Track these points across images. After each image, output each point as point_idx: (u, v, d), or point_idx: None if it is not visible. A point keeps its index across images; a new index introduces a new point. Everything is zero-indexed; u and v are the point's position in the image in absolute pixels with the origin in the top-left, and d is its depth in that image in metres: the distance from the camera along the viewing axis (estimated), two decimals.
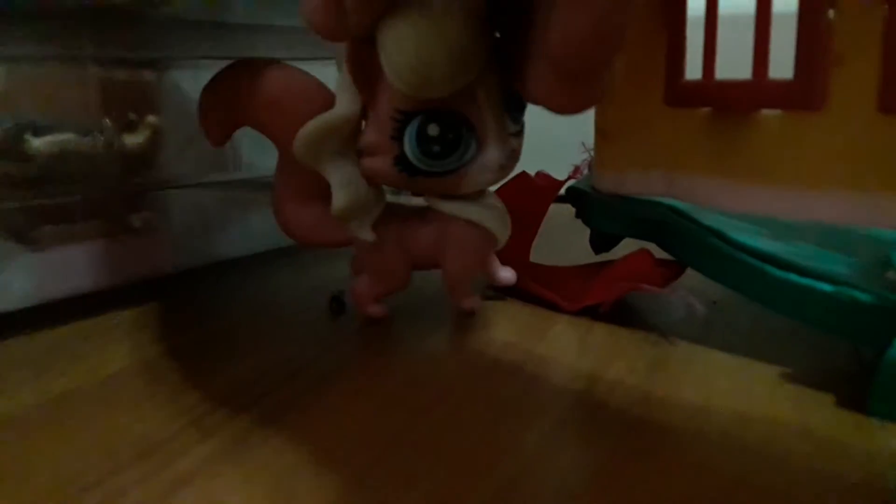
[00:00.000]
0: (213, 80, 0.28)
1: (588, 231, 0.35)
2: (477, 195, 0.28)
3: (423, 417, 0.21)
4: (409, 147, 0.25)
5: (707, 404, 0.22)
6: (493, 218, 0.28)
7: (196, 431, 0.21)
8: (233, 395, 0.23)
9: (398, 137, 0.25)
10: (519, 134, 0.27)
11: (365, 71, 0.25)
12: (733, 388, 0.23)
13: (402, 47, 0.23)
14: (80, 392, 0.24)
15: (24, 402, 0.23)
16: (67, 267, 0.35)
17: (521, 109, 0.27)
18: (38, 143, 0.35)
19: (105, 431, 0.21)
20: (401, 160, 0.26)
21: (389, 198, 0.28)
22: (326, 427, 0.21)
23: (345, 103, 0.26)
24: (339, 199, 0.26)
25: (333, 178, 0.26)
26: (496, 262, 0.30)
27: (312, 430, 0.21)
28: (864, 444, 0.20)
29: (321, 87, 0.27)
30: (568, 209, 0.35)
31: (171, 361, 0.26)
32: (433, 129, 0.25)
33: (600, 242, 0.35)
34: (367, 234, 0.27)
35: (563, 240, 0.39)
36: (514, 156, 0.27)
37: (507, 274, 0.30)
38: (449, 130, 0.25)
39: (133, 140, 0.38)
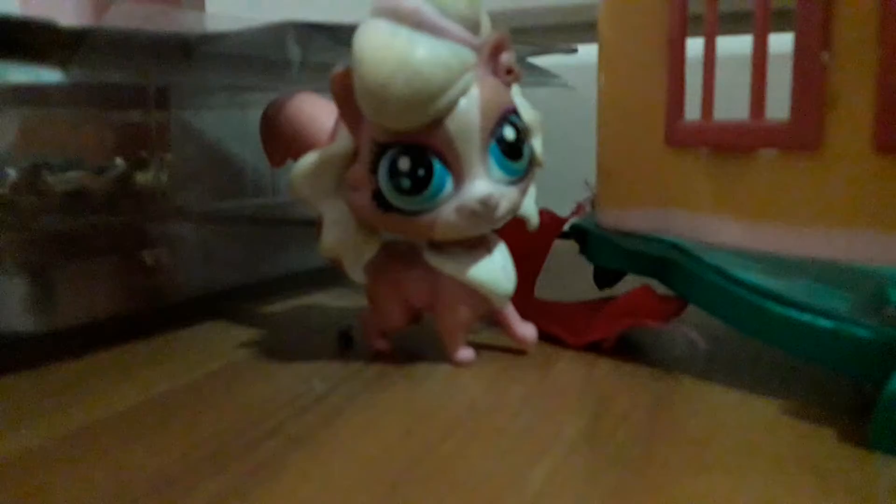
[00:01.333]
0: (265, 109, 0.30)
1: (591, 267, 0.36)
2: (469, 247, 0.27)
3: (431, 453, 0.22)
4: (383, 180, 0.25)
5: (710, 440, 0.22)
6: (484, 274, 0.27)
7: (210, 466, 0.21)
8: (244, 429, 0.23)
9: (374, 170, 0.25)
10: (515, 183, 0.26)
11: (349, 102, 0.25)
12: (736, 424, 0.23)
13: (362, 67, 0.23)
14: (96, 427, 0.24)
15: (42, 436, 0.23)
16: (80, 298, 0.35)
17: (516, 157, 0.26)
18: (54, 181, 0.36)
19: (121, 467, 0.21)
20: (377, 195, 0.25)
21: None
22: (337, 462, 0.21)
23: (340, 140, 0.26)
24: (327, 236, 0.27)
25: (326, 215, 0.27)
26: (514, 317, 0.29)
27: (323, 466, 0.21)
28: (866, 478, 0.20)
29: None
30: (571, 246, 0.36)
31: (183, 396, 0.26)
32: (404, 163, 0.25)
33: (604, 278, 0.36)
34: (358, 276, 0.28)
35: (566, 276, 0.39)
36: (503, 205, 0.26)
37: (527, 331, 0.29)
38: (420, 165, 0.25)
39: (144, 177, 0.39)
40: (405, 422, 0.24)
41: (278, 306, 0.39)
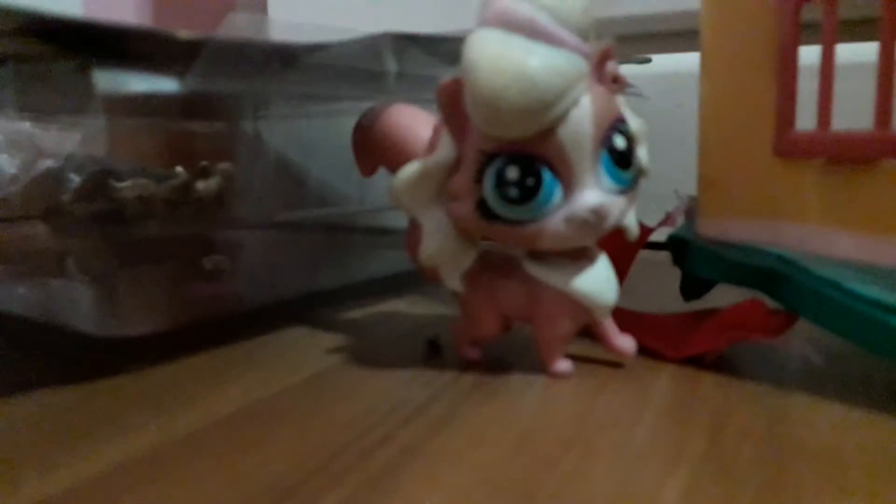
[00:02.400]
0: (359, 119, 0.30)
1: (674, 278, 0.35)
2: (572, 258, 0.27)
3: (553, 469, 0.21)
4: (488, 190, 0.25)
5: (842, 459, 0.21)
6: (587, 285, 0.27)
7: (326, 477, 0.21)
8: (354, 438, 0.23)
9: (480, 180, 0.25)
10: (624, 192, 0.26)
11: (456, 112, 0.25)
12: (864, 443, 0.22)
13: (476, 76, 0.23)
14: (204, 432, 0.24)
15: (150, 443, 0.23)
16: (149, 305, 0.35)
17: (626, 166, 0.25)
18: (120, 187, 0.36)
19: (238, 474, 0.21)
20: (481, 204, 0.25)
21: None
22: (454, 475, 0.21)
23: (443, 150, 0.26)
24: (428, 245, 0.27)
25: (426, 224, 0.27)
26: (612, 328, 0.29)
27: (440, 478, 0.21)
28: None
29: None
30: (653, 256, 0.35)
31: (285, 402, 0.26)
32: (512, 172, 0.24)
33: (692, 290, 0.35)
34: (455, 284, 0.28)
35: (650, 287, 0.39)
36: (613, 214, 0.25)
37: (626, 343, 0.29)
38: (528, 175, 0.24)
39: (206, 186, 0.39)
40: (515, 434, 0.23)
41: (358, 313, 0.39)
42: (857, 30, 0.30)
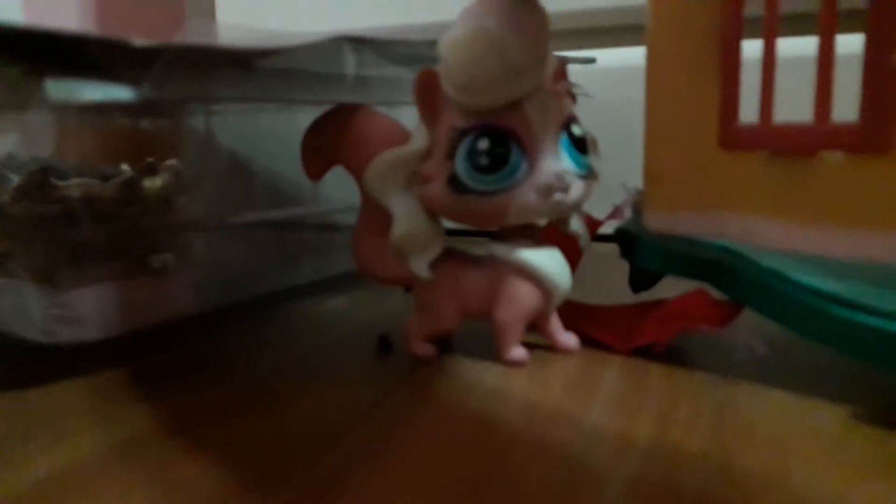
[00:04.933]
0: (313, 123, 0.31)
1: (623, 271, 0.35)
2: (534, 241, 0.28)
3: (496, 468, 0.21)
4: (460, 163, 0.26)
5: (785, 447, 0.22)
6: (547, 269, 0.28)
7: (271, 481, 0.20)
8: (302, 440, 0.23)
9: (452, 156, 0.26)
10: (584, 178, 0.27)
11: (431, 98, 0.27)
12: (808, 429, 0.23)
13: (457, 48, 0.25)
14: (144, 439, 0.23)
15: (88, 450, 0.22)
16: (91, 310, 0.34)
17: (582, 150, 0.27)
18: (63, 186, 0.35)
19: (178, 481, 0.20)
20: (452, 179, 0.26)
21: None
22: (404, 474, 0.20)
23: (418, 139, 0.28)
24: (399, 227, 0.28)
25: (396, 209, 0.28)
26: (557, 323, 0.30)
27: (389, 478, 0.20)
28: None
29: (401, 129, 0.29)
30: (602, 248, 0.35)
31: (232, 405, 0.26)
32: (483, 143, 0.26)
33: (640, 282, 0.35)
34: (423, 270, 0.28)
35: (599, 279, 0.39)
36: (576, 191, 0.27)
37: (568, 340, 0.30)
38: (498, 145, 0.26)
39: (153, 184, 0.38)
40: (466, 430, 0.23)
41: (310, 313, 0.38)
42: (799, 24, 0.31)
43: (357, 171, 0.29)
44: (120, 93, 0.29)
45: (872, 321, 0.23)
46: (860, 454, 0.21)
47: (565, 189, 0.26)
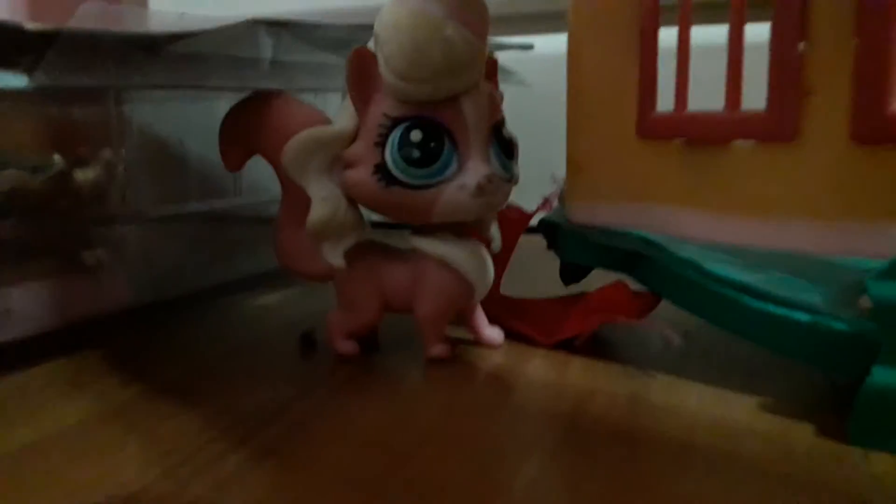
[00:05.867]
0: (230, 110, 0.30)
1: (557, 263, 0.35)
2: (456, 235, 0.28)
3: (406, 461, 0.21)
4: (389, 153, 0.25)
5: (691, 437, 0.22)
6: (470, 263, 0.27)
7: (170, 483, 0.20)
8: (207, 441, 0.22)
9: (382, 144, 0.25)
10: (509, 181, 0.27)
11: (364, 80, 0.26)
12: (715, 421, 0.23)
13: (399, 31, 0.24)
14: (44, 443, 0.22)
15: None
16: (19, 307, 0.33)
17: (511, 156, 0.27)
18: None
19: (74, 485, 0.20)
20: (380, 168, 0.26)
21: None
22: (308, 474, 0.20)
23: (340, 122, 0.27)
24: (316, 212, 0.27)
25: (314, 193, 0.27)
26: (482, 318, 0.30)
27: (294, 477, 0.20)
28: (847, 472, 0.20)
29: (321, 116, 0.28)
30: (537, 241, 0.35)
31: (140, 406, 0.25)
32: (416, 135, 0.25)
33: (570, 274, 0.35)
34: (337, 259, 0.27)
35: (532, 272, 0.39)
36: (498, 196, 0.27)
37: (493, 334, 0.30)
38: (431, 139, 0.25)
39: (85, 175, 0.37)
40: (377, 430, 0.23)
41: (233, 310, 0.38)
42: (715, 12, 0.31)
43: (275, 160, 0.28)
44: (13, 81, 0.28)
45: (780, 312, 0.23)
46: (757, 448, 0.21)
47: (494, 192, 0.26)
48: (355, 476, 0.20)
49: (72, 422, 0.24)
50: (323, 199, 0.27)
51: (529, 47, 0.47)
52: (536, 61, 0.48)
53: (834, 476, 0.19)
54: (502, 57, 0.45)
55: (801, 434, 0.22)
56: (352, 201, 0.27)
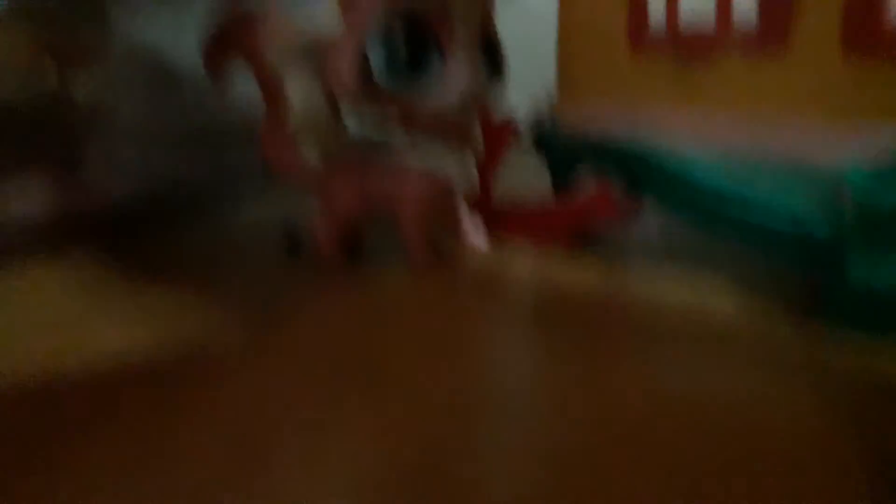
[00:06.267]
0: (214, 22, 0.29)
1: (547, 169, 0.36)
2: (445, 138, 0.28)
3: (375, 352, 0.21)
4: (374, 52, 0.25)
5: (662, 322, 0.22)
6: (452, 166, 0.28)
7: (145, 366, 0.20)
8: (185, 330, 0.23)
9: (366, 42, 0.25)
10: (494, 83, 0.27)
11: None
12: (688, 312, 0.23)
13: None
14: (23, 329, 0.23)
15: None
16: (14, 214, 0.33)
17: (497, 58, 0.27)
18: None
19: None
20: (363, 67, 0.25)
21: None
22: (277, 360, 0.21)
23: (326, 19, 0.26)
24: (297, 108, 0.27)
25: (295, 91, 0.27)
26: (467, 222, 0.30)
27: (263, 361, 0.21)
28: (810, 355, 0.20)
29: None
30: (527, 147, 0.35)
31: (123, 300, 0.25)
32: (400, 36, 0.25)
33: (560, 179, 0.36)
34: (313, 158, 0.28)
35: (522, 178, 0.39)
36: (482, 98, 0.27)
37: (480, 240, 0.30)
38: (416, 40, 0.25)
39: (79, 91, 0.36)
40: (354, 323, 0.23)
41: (223, 215, 0.38)
42: None
43: (255, 68, 0.28)
44: None
45: (762, 220, 0.24)
46: (728, 333, 0.22)
47: (476, 94, 0.26)
48: (324, 361, 0.20)
49: (52, 313, 0.24)
50: (304, 96, 0.27)
51: None
52: None
53: (797, 358, 0.20)
54: None
55: (773, 321, 0.23)
56: (333, 101, 0.27)
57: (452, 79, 0.25)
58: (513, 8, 0.45)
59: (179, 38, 0.40)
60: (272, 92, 0.28)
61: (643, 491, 0.15)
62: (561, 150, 0.31)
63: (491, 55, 0.27)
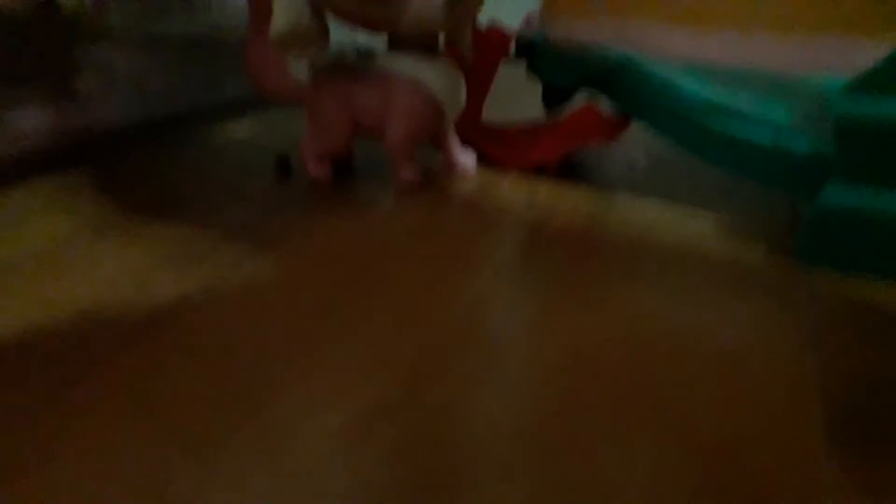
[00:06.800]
0: None
1: (540, 87, 0.35)
2: (427, 54, 0.27)
3: (367, 273, 0.22)
4: None
5: (644, 254, 0.22)
6: (440, 82, 0.27)
7: (138, 293, 0.21)
8: (177, 255, 0.23)
9: None
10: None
11: None
12: (670, 238, 0.23)
13: None
14: (20, 257, 0.23)
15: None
16: (13, 127, 0.34)
17: None
18: None
19: (46, 297, 0.21)
20: None
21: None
22: (267, 283, 0.21)
23: None
24: (279, 19, 0.26)
25: (278, 1, 0.26)
26: (455, 142, 0.30)
27: (254, 282, 0.21)
28: (789, 284, 0.20)
29: None
30: (520, 65, 0.34)
31: (115, 224, 0.26)
32: None
33: (552, 97, 0.35)
34: (300, 72, 0.27)
35: (515, 97, 0.38)
36: (468, 6, 0.26)
37: (466, 160, 0.30)
38: None
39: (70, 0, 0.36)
40: (343, 244, 0.24)
41: (217, 134, 0.38)
42: None
43: None
44: None
45: (742, 135, 0.23)
46: (706, 262, 0.22)
47: (463, 2, 0.25)
48: (309, 291, 0.21)
49: (49, 238, 0.25)
50: (286, 6, 0.26)
51: None
52: None
53: (776, 287, 0.20)
54: None
55: (752, 250, 0.23)
56: (316, 10, 0.26)
57: None
58: None
59: None
60: (259, 4, 0.27)
61: (610, 414, 0.15)
62: (550, 63, 0.30)
63: None
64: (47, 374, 0.17)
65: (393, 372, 0.17)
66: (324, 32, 0.27)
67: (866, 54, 0.23)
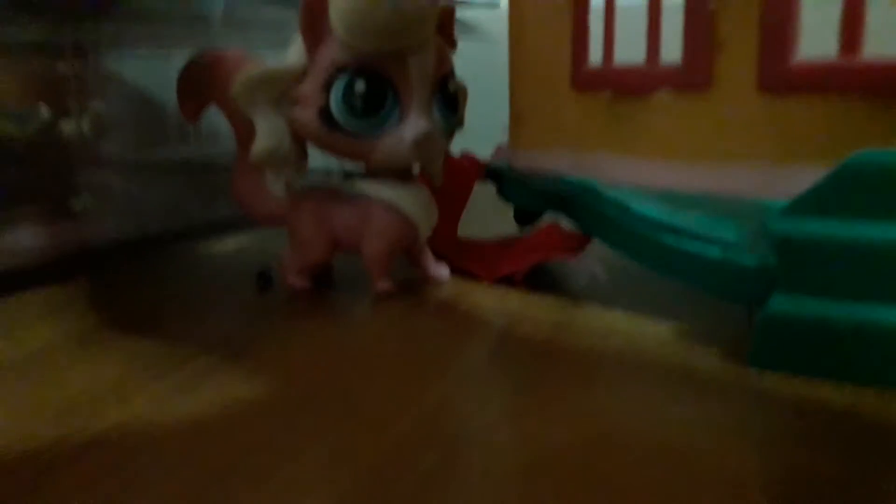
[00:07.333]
0: (185, 64, 0.31)
1: (512, 208, 0.37)
2: (402, 180, 0.29)
3: (334, 380, 0.23)
4: (334, 99, 0.27)
5: (603, 358, 0.24)
6: (414, 205, 0.29)
7: (114, 398, 0.22)
8: (152, 364, 0.24)
9: (328, 89, 0.27)
10: (449, 133, 0.29)
11: (316, 22, 0.27)
12: (629, 344, 0.25)
13: None
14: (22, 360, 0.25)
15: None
16: (11, 244, 0.35)
17: (454, 108, 0.29)
18: None
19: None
20: (324, 112, 0.27)
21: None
22: (238, 391, 0.22)
23: (293, 57, 0.28)
24: (261, 143, 0.28)
25: (260, 125, 0.28)
26: (429, 257, 0.32)
27: (223, 392, 0.22)
28: (740, 389, 0.22)
29: None
30: (493, 188, 0.37)
31: (94, 335, 0.27)
32: (360, 86, 0.26)
33: (523, 217, 0.37)
34: (279, 189, 0.29)
35: (488, 216, 0.41)
36: (435, 149, 0.28)
37: (439, 271, 0.32)
38: (375, 91, 0.27)
39: (70, 126, 0.38)
40: (315, 352, 0.25)
41: (204, 249, 0.40)
42: None
43: (228, 110, 0.30)
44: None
45: (696, 248, 0.25)
46: (662, 365, 0.23)
47: (429, 146, 0.27)
48: (283, 390, 0.22)
49: (32, 348, 0.26)
50: (268, 131, 0.28)
51: (496, 5, 0.49)
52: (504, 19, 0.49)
53: (728, 389, 0.22)
54: (469, 14, 0.46)
55: (707, 354, 0.24)
56: (297, 135, 0.28)
57: (406, 127, 0.27)
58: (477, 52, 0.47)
59: (167, 78, 0.43)
60: (244, 135, 0.30)
61: None
62: (515, 188, 0.33)
63: (451, 105, 0.28)
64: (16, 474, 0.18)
65: (354, 472, 0.17)
66: (303, 155, 0.29)
67: (805, 180, 0.25)
